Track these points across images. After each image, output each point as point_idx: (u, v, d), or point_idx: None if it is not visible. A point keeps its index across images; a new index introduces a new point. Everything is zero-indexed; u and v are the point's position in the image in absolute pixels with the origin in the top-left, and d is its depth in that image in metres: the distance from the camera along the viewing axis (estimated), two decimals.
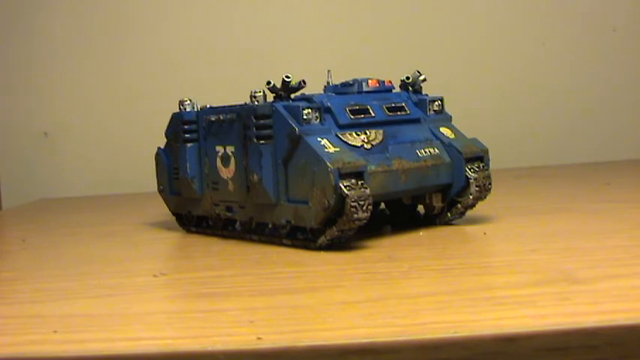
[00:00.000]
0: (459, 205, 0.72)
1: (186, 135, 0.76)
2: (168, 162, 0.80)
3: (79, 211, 1.11)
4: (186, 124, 0.76)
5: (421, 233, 0.70)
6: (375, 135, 0.68)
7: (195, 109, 0.77)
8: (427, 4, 1.34)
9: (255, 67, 1.29)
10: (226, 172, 0.72)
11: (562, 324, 0.40)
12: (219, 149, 0.72)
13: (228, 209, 0.73)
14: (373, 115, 0.69)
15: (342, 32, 1.33)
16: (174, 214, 0.82)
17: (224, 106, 0.73)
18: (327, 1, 1.34)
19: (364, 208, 0.61)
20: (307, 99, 0.67)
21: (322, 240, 0.64)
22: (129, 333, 0.44)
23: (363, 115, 0.68)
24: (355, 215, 0.60)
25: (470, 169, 0.70)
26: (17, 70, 1.35)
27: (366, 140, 0.67)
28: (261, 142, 0.67)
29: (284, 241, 0.68)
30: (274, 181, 0.66)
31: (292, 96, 0.68)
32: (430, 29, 1.33)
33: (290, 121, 0.64)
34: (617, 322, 0.40)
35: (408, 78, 0.75)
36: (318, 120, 0.65)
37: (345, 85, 0.72)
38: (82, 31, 1.34)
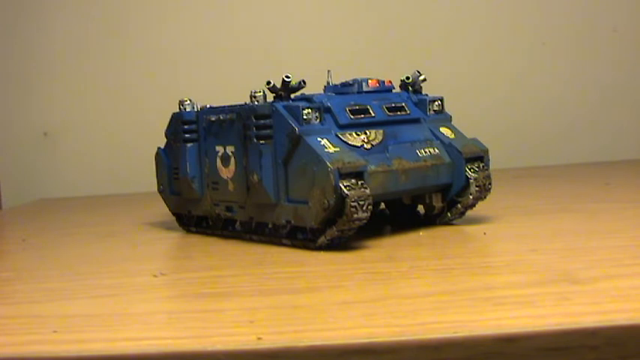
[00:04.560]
0: (459, 205, 0.72)
1: (186, 135, 0.76)
2: (168, 162, 0.80)
3: (79, 211, 1.11)
4: (186, 124, 0.76)
5: (421, 233, 0.70)
6: (375, 135, 0.68)
7: (195, 109, 0.77)
8: (427, 4, 1.34)
9: (255, 67, 1.29)
10: (226, 172, 0.72)
11: (562, 324, 0.40)
12: (219, 149, 0.72)
13: (228, 209, 0.73)
14: (373, 115, 0.69)
15: (342, 32, 1.33)
16: (174, 214, 0.82)
17: (224, 106, 0.73)
18: (327, 1, 1.34)
19: (364, 208, 0.61)
20: (307, 99, 0.67)
21: (322, 240, 0.64)
22: (129, 333, 0.44)
23: (363, 115, 0.68)
24: (355, 215, 0.60)
25: (470, 169, 0.70)
26: (17, 70, 1.35)
27: (366, 140, 0.67)
28: (261, 142, 0.67)
29: (284, 241, 0.68)
30: (274, 181, 0.66)
31: (292, 96, 0.68)
32: (430, 29, 1.33)
33: (290, 121, 0.64)
34: (617, 322, 0.40)
35: (408, 78, 0.75)
36: (318, 120, 0.65)
37: (345, 85, 0.72)
38: (82, 31, 1.34)
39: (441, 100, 0.75)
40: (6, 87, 1.35)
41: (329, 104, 0.67)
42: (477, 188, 0.70)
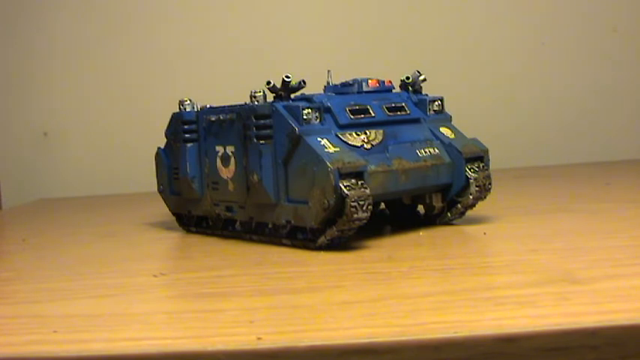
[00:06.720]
0: (459, 205, 0.72)
1: (186, 135, 0.76)
2: (168, 162, 0.80)
3: (79, 211, 1.11)
4: (186, 124, 0.76)
5: (421, 233, 0.70)
6: (375, 135, 0.68)
7: (195, 109, 0.77)
8: (427, 4, 1.34)
9: (255, 67, 1.29)
10: (226, 172, 0.72)
11: (562, 324, 0.40)
12: (219, 149, 0.72)
13: (228, 209, 0.73)
14: (373, 115, 0.69)
15: (342, 32, 1.33)
16: (174, 214, 0.82)
17: (224, 106, 0.73)
18: (327, 1, 1.34)
19: (364, 208, 0.61)
20: (307, 99, 0.67)
21: (322, 240, 0.64)
22: (129, 333, 0.44)
23: (363, 115, 0.68)
24: (355, 215, 0.60)
25: (470, 169, 0.70)
26: (17, 71, 1.35)
27: (366, 140, 0.67)
28: (261, 142, 0.67)
29: (284, 241, 0.68)
30: (274, 181, 0.66)
31: (292, 96, 0.68)
32: (430, 29, 1.33)
33: (290, 121, 0.64)
34: (617, 322, 0.40)
35: (408, 78, 0.75)
36: (318, 120, 0.65)
37: (345, 85, 0.72)
38: (81, 31, 1.34)
39: (441, 100, 0.75)
40: (6, 87, 1.35)
41: (329, 104, 0.67)
42: (477, 188, 0.70)
